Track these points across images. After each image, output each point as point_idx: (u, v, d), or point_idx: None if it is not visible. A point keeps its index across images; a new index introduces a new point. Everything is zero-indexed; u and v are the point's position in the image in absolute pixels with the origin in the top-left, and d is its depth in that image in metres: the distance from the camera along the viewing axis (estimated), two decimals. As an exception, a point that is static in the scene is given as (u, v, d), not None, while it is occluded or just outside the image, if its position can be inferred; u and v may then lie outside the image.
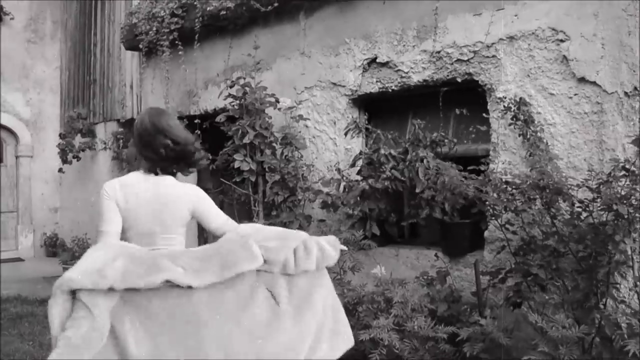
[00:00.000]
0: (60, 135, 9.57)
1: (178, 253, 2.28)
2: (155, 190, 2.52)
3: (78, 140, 9.44)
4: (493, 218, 3.85)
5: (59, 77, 10.88)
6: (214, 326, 2.15)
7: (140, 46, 7.10)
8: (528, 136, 4.07)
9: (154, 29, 6.79)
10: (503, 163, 4.21)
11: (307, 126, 5.55)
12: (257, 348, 2.18)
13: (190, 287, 2.15)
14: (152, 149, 2.52)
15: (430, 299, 3.84)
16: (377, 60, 5.04)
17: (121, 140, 8.62)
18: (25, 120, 10.54)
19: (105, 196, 2.46)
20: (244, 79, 5.35)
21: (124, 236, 2.49)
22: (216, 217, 2.64)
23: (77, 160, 9.36)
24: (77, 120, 9.50)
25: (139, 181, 2.53)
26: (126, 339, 2.05)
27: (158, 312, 2.12)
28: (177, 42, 6.60)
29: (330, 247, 2.46)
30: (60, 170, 9.60)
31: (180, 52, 6.59)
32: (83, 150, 9.33)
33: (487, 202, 3.73)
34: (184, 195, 2.58)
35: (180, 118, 6.85)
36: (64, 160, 9.29)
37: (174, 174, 2.66)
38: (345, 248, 2.57)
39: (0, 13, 10.09)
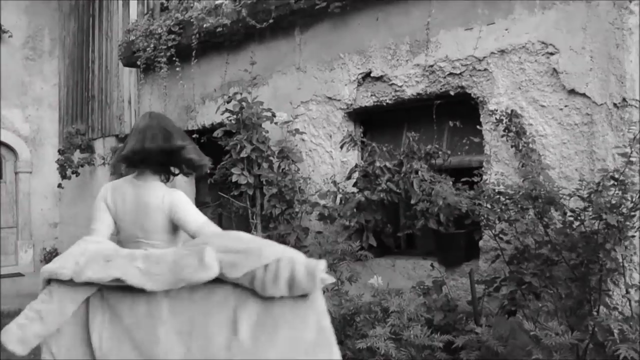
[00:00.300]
0: (59, 151, 9.59)
1: (139, 254, 2.20)
2: (137, 195, 2.57)
3: (77, 155, 9.46)
4: (487, 228, 3.90)
5: (58, 94, 10.93)
6: (165, 346, 2.07)
7: (138, 63, 7.16)
8: (520, 147, 4.13)
9: (152, 45, 6.85)
10: (496, 174, 4.27)
11: (303, 140, 5.62)
12: None
13: (156, 295, 2.11)
14: (143, 148, 2.54)
15: (426, 308, 3.87)
16: (372, 75, 5.12)
17: (120, 156, 8.65)
18: (24, 136, 10.58)
19: (98, 197, 2.62)
20: (241, 94, 5.41)
21: (115, 239, 2.60)
22: (194, 221, 2.54)
23: (76, 176, 9.38)
24: (75, 136, 9.53)
25: (126, 185, 2.61)
26: (93, 332, 2.16)
27: (123, 316, 2.15)
28: (174, 58, 6.66)
29: (304, 274, 2.03)
30: (59, 185, 9.61)
31: (177, 68, 6.66)
32: (82, 166, 9.34)
33: (480, 214, 3.79)
34: (160, 202, 2.56)
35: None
36: (63, 176, 9.30)
37: (169, 177, 2.74)
38: (331, 280, 2.14)
39: (-1, 31, 10.17)
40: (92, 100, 9.77)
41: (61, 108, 10.86)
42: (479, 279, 4.04)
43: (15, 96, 10.47)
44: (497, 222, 3.78)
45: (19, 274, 10.19)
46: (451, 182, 4.19)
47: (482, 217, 3.80)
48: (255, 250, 2.10)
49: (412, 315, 3.58)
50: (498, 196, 3.69)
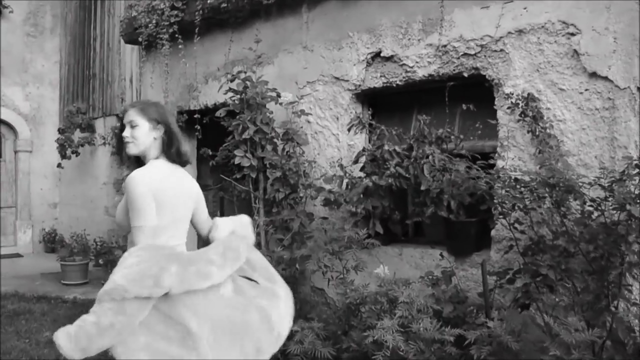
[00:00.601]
0: (59, 130, 9.51)
1: (211, 253, 2.41)
2: (183, 179, 2.63)
3: (77, 135, 9.39)
4: (501, 216, 3.74)
5: (59, 72, 10.81)
6: (246, 308, 2.40)
7: (140, 39, 7.00)
8: (537, 133, 3.96)
9: (154, 22, 6.69)
10: (512, 159, 4.10)
11: (309, 121, 5.45)
12: (275, 318, 2.44)
13: None
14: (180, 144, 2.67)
15: (435, 300, 3.73)
16: (382, 55, 4.93)
17: (120, 136, 8.53)
18: (24, 114, 10.47)
19: (142, 187, 2.36)
20: (245, 73, 5.26)
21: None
22: (205, 211, 2.81)
23: (76, 156, 9.30)
24: (76, 115, 9.45)
25: (170, 170, 2.59)
26: (186, 316, 2.24)
27: (199, 302, 2.30)
28: (177, 35, 6.50)
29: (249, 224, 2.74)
30: (59, 165, 9.55)
31: (180, 46, 6.50)
32: (82, 146, 9.27)
33: (495, 200, 3.63)
34: (195, 186, 2.72)
35: (180, 112, 6.79)
36: (63, 156, 9.23)
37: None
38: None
39: (0, 6, 10.01)
40: (93, 78, 9.65)
41: (62, 86, 10.74)
42: (490, 270, 3.89)
43: (16, 73, 10.35)
44: (512, 210, 3.62)
45: (18, 255, 10.12)
46: (464, 167, 4.02)
47: (497, 205, 3.64)
48: (242, 222, 2.73)
49: (421, 307, 3.43)
50: (514, 183, 3.52)
